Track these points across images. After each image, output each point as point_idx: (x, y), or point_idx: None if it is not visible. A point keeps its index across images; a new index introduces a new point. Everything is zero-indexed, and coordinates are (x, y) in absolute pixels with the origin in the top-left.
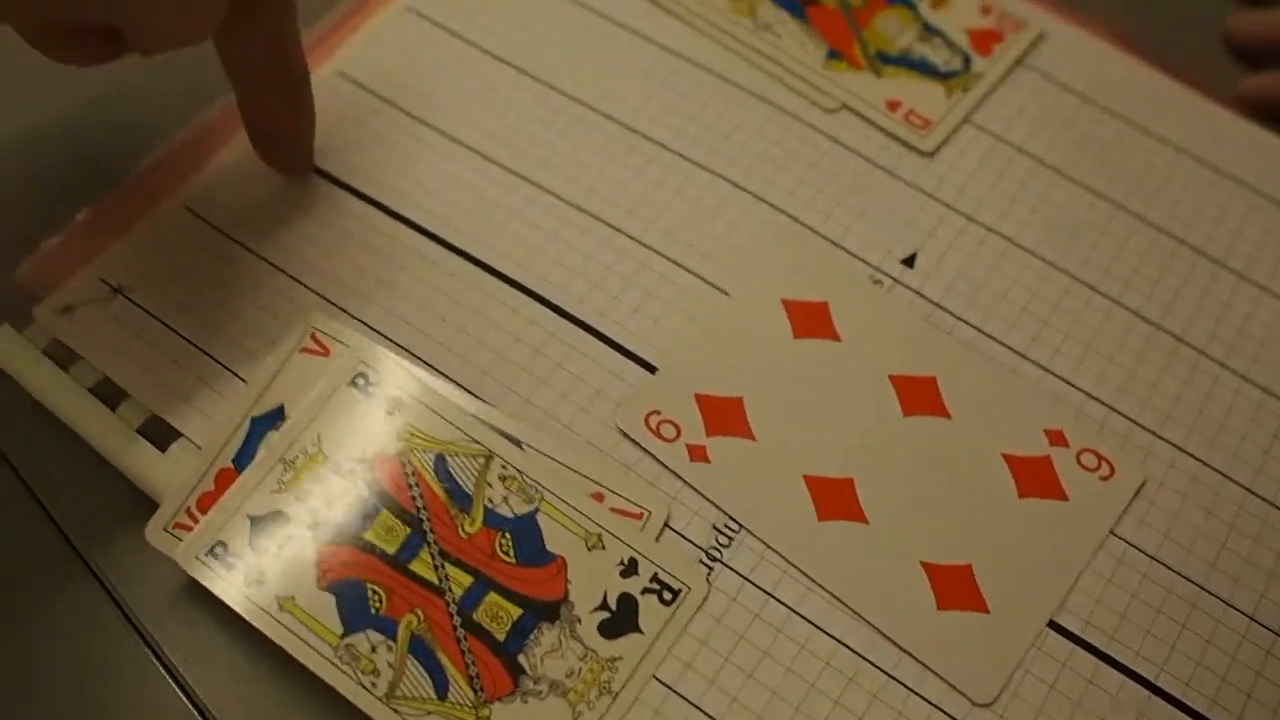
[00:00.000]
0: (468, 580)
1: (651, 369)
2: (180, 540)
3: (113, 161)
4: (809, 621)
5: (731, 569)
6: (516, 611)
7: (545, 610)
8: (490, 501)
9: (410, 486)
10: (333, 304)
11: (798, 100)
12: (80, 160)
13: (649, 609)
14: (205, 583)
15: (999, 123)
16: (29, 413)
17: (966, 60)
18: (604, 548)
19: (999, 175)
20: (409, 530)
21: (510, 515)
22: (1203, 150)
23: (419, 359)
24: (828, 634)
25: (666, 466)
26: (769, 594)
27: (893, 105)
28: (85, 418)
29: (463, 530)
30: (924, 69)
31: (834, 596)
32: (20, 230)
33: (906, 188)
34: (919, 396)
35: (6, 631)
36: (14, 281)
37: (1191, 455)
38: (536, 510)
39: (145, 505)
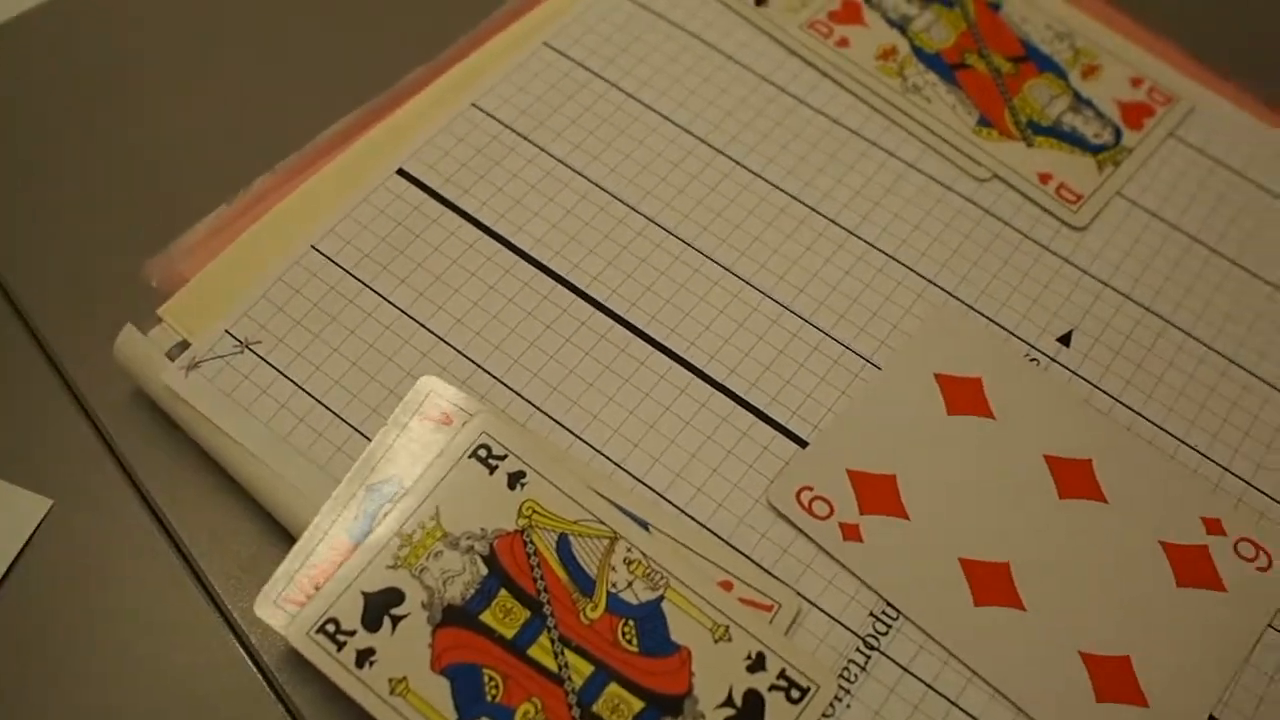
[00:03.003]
0: (588, 669)
1: (803, 443)
2: (290, 615)
3: (247, 165)
4: (969, 715)
5: (889, 658)
6: (638, 704)
7: (668, 705)
8: (614, 586)
9: (532, 568)
10: (462, 354)
11: (948, 168)
12: (216, 162)
13: (776, 707)
14: (314, 660)
15: (1151, 198)
16: (150, 414)
17: (1117, 133)
18: (731, 640)
19: (1153, 252)
20: (529, 613)
21: (634, 602)
22: None
23: (555, 421)
24: None
25: (819, 545)
26: (929, 686)
27: (1044, 178)
28: (210, 431)
29: (584, 616)
30: (1075, 141)
31: (994, 689)
32: (149, 227)
33: (1061, 263)
34: (1075, 479)
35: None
36: (140, 279)
37: None
38: (662, 598)
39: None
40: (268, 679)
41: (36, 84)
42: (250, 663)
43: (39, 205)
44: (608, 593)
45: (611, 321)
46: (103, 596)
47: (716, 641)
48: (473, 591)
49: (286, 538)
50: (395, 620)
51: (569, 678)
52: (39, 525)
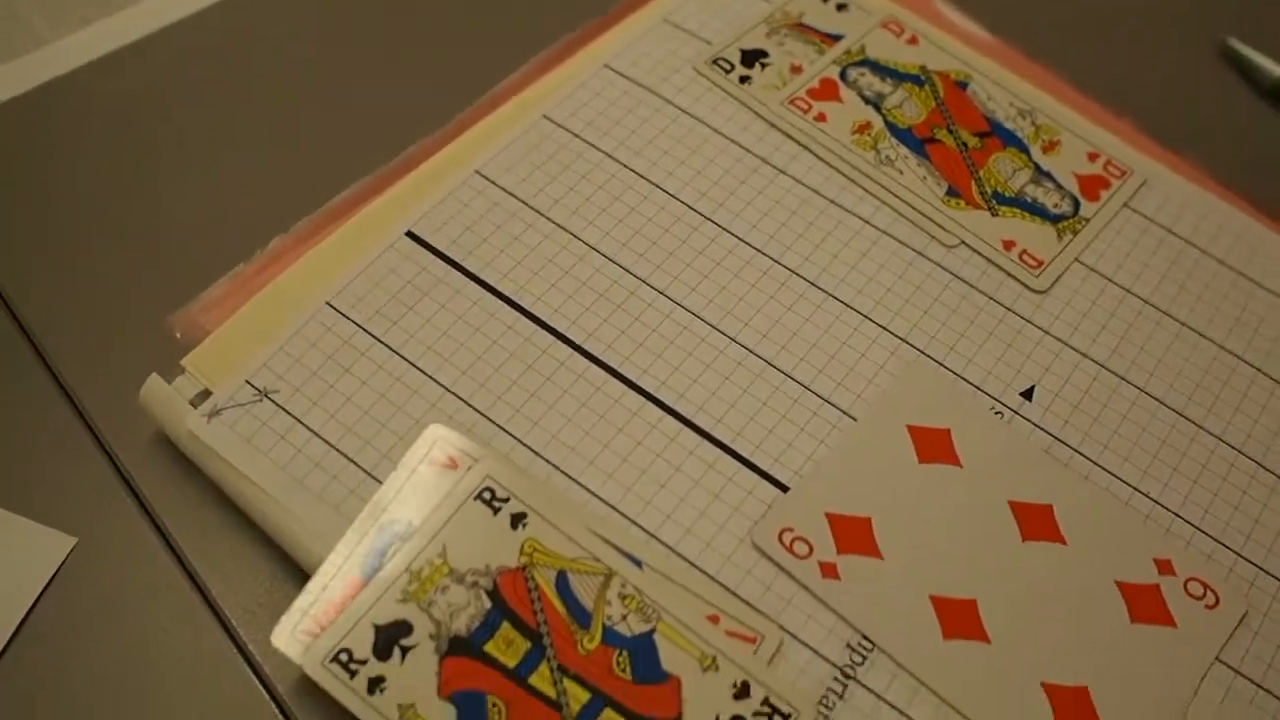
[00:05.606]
0: (585, 696)
1: (784, 488)
2: (306, 645)
3: (265, 226)
4: None
5: (866, 687)
6: None
7: None
8: (609, 619)
9: (533, 601)
10: (467, 404)
11: (919, 235)
12: (236, 223)
13: None
14: (328, 688)
15: (1107, 264)
16: (170, 457)
17: (1076, 204)
18: (718, 669)
19: (1109, 315)
20: (529, 644)
21: (628, 634)
22: None
23: (554, 466)
24: None
25: (800, 582)
26: (901, 712)
27: (1008, 244)
28: (230, 474)
29: (581, 647)
30: (1036, 211)
31: (963, 716)
32: (173, 282)
33: (1024, 323)
34: (1036, 523)
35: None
36: (163, 330)
37: None
38: (654, 630)
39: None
40: (281, 708)
41: (69, 144)
42: (265, 692)
43: (69, 259)
44: (603, 625)
45: (607, 375)
46: (123, 630)
47: (704, 670)
48: (477, 624)
49: (300, 574)
50: (404, 650)
51: (567, 704)
52: (64, 562)
